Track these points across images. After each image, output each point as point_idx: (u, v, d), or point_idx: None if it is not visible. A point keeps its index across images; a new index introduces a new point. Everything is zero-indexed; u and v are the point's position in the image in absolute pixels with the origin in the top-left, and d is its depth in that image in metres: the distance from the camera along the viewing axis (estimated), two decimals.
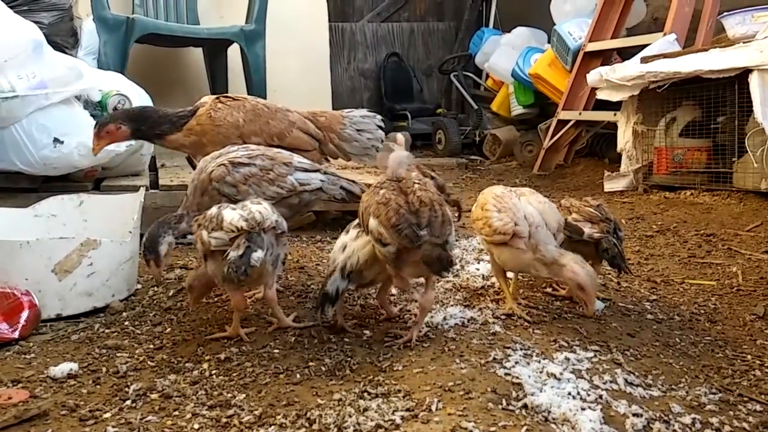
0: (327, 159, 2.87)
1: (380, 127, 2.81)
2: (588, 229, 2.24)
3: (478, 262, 2.78)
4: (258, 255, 1.83)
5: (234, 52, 5.49)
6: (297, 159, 2.28)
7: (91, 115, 3.35)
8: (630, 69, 4.55)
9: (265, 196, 2.12)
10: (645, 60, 4.52)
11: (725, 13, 4.49)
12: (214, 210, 1.93)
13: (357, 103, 8.31)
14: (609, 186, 4.86)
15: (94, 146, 2.58)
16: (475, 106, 7.32)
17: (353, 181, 2.34)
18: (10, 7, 3.35)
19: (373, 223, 1.85)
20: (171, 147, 2.64)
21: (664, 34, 4.85)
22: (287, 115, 2.68)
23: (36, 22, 3.43)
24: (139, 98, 3.75)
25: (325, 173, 2.29)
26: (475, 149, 7.32)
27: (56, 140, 3.12)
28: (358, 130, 2.75)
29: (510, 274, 2.38)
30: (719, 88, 4.21)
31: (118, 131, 2.54)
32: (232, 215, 1.88)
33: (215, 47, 5.57)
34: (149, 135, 2.60)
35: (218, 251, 1.89)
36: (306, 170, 2.25)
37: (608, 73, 4.70)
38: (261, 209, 1.92)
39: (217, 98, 2.67)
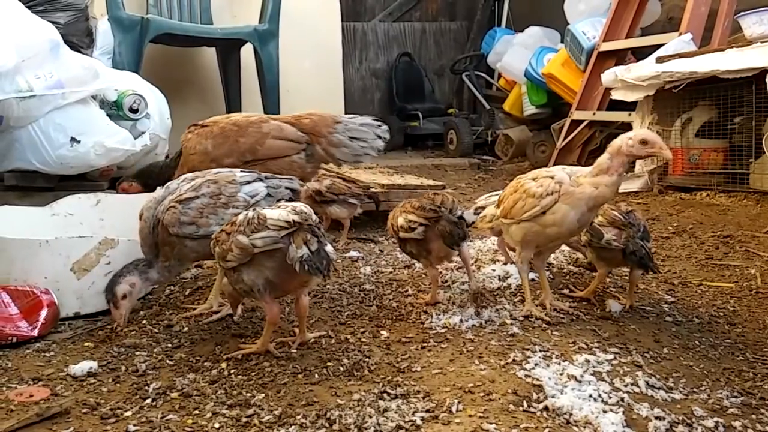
0: (319, 166, 2.76)
1: (380, 137, 2.66)
2: (608, 235, 2.20)
3: (494, 263, 2.77)
4: (331, 249, 1.77)
5: (247, 52, 5.50)
6: (239, 174, 2.19)
7: (108, 115, 3.37)
8: (645, 69, 4.51)
9: (225, 222, 1.98)
10: (661, 60, 4.48)
11: (742, 13, 4.44)
12: (249, 213, 1.83)
13: (368, 103, 8.32)
14: (623, 187, 4.81)
15: None
16: (487, 106, 7.30)
17: (290, 178, 2.31)
18: (27, 7, 3.37)
19: (401, 219, 2.27)
20: None
21: (680, 34, 4.80)
22: (261, 127, 2.60)
23: (52, 22, 3.45)
24: (155, 98, 3.76)
25: (265, 178, 2.22)
26: (487, 149, 7.29)
27: (73, 140, 3.14)
28: (351, 137, 2.63)
29: (532, 274, 2.37)
30: (736, 88, 4.17)
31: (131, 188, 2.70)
32: (277, 212, 1.77)
33: (228, 47, 5.58)
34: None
35: (261, 256, 1.78)
36: (249, 182, 2.16)
37: (623, 73, 4.66)
38: (303, 204, 1.84)
39: (188, 128, 2.66)
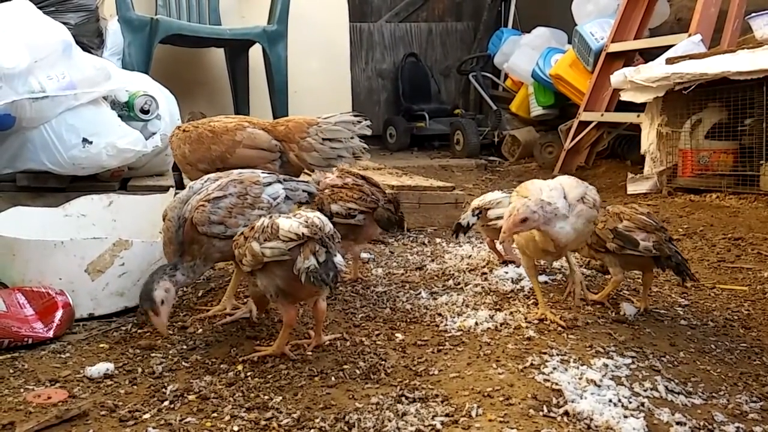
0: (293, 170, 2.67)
1: (357, 134, 2.55)
2: (643, 241, 2.16)
3: (507, 265, 2.76)
4: (340, 259, 1.77)
5: (255, 53, 5.50)
6: (261, 174, 2.17)
7: (119, 116, 3.37)
8: (655, 70, 4.51)
9: (250, 223, 1.96)
10: (670, 61, 4.47)
11: (753, 14, 4.43)
12: (265, 220, 1.84)
13: (374, 104, 8.32)
14: (632, 188, 4.81)
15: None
16: (494, 107, 7.28)
17: (306, 181, 2.30)
18: (39, 8, 3.37)
19: (335, 206, 2.47)
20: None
21: (689, 35, 4.79)
22: (235, 135, 2.54)
23: (63, 23, 3.45)
24: (165, 99, 3.76)
25: (284, 180, 2.21)
26: (494, 150, 7.28)
27: (85, 140, 3.13)
28: (324, 139, 2.53)
29: (544, 277, 2.37)
30: (746, 89, 4.16)
31: None
32: (289, 223, 1.78)
33: (237, 48, 5.58)
34: None
35: (272, 263, 1.78)
36: (270, 183, 2.14)
37: (633, 74, 4.66)
38: (318, 215, 1.84)
39: (175, 129, 2.65)
